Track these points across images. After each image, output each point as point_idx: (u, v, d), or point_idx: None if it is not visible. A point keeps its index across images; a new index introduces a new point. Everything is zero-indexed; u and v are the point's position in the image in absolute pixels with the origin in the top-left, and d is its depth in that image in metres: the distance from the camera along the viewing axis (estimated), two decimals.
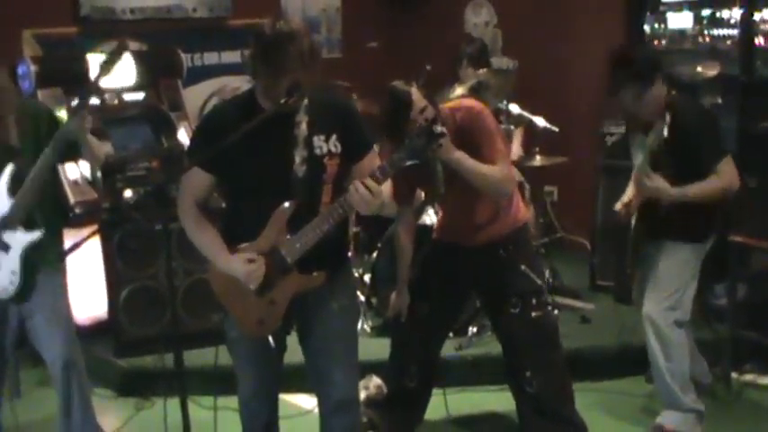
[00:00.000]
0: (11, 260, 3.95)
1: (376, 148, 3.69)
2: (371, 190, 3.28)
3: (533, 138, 6.19)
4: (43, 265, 4.03)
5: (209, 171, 3.48)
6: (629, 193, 4.64)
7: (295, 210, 3.42)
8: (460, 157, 4.01)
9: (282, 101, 3.31)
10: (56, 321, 4.09)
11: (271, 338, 3.54)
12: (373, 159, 3.55)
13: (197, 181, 3.49)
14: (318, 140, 3.46)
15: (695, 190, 4.28)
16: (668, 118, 4.13)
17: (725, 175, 4.29)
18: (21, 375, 5.18)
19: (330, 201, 3.47)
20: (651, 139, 4.20)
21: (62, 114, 5.68)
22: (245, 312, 3.54)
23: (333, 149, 3.47)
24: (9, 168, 3.94)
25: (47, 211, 4.08)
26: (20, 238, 3.95)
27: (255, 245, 3.46)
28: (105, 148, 4.04)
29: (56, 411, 4.19)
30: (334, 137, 3.47)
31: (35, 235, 3.96)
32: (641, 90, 4.31)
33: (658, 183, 4.27)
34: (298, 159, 3.43)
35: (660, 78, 4.35)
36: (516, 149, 6.16)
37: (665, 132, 4.13)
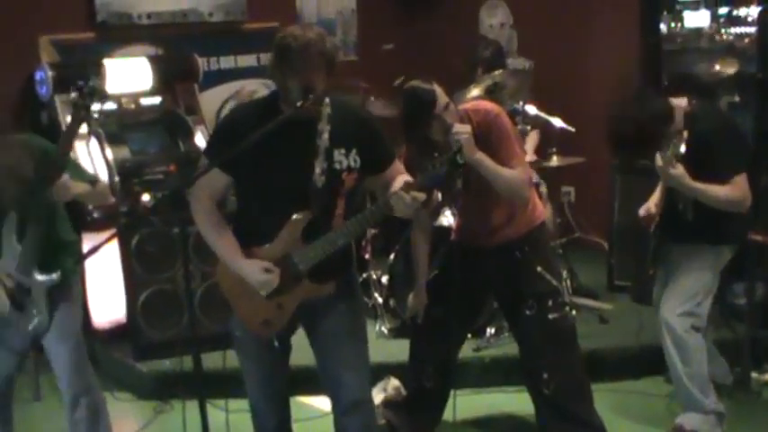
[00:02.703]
0: (35, 303, 3.93)
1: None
2: (416, 197, 3.32)
3: (550, 138, 6.17)
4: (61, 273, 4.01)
5: (225, 171, 3.49)
6: (654, 199, 4.62)
7: (309, 219, 3.44)
8: (482, 157, 4.01)
9: (299, 104, 3.32)
10: (66, 337, 4.06)
11: (275, 340, 3.57)
12: (396, 169, 3.59)
13: (213, 181, 3.50)
14: (339, 154, 3.47)
15: (713, 190, 4.25)
16: (686, 134, 4.14)
17: (739, 189, 4.27)
18: (41, 379, 5.20)
19: (343, 213, 3.49)
20: (669, 153, 4.18)
21: None
22: (252, 312, 3.56)
23: (352, 164, 3.49)
24: (12, 215, 3.90)
25: (60, 220, 4.09)
26: (38, 282, 3.93)
27: (269, 249, 3.47)
28: (81, 188, 4.07)
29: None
30: (354, 151, 3.49)
31: (53, 277, 3.94)
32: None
33: (681, 171, 4.23)
34: (318, 170, 3.44)
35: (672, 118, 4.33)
36: (529, 153, 6.14)
37: (683, 149, 4.13)
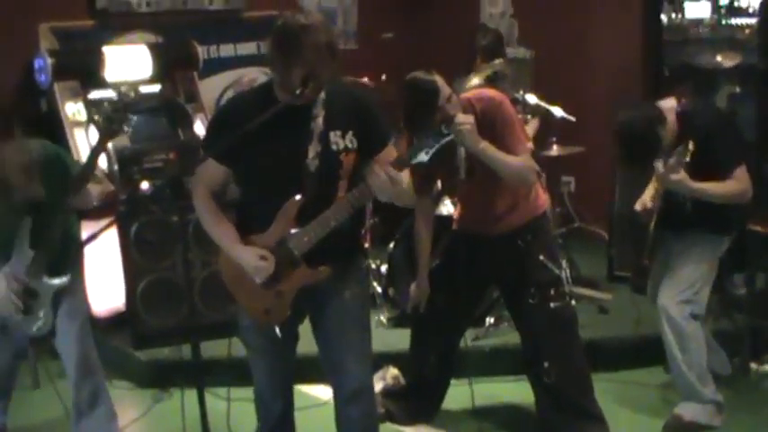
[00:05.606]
0: (41, 305, 3.97)
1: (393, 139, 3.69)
2: (391, 176, 3.29)
3: (550, 128, 6.16)
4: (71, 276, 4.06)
5: (222, 163, 3.48)
6: (650, 192, 4.60)
7: (307, 204, 3.42)
8: (486, 146, 4.00)
9: (297, 92, 3.31)
10: (73, 318, 4.10)
11: (277, 329, 3.55)
12: (390, 153, 3.55)
13: (211, 172, 3.50)
14: (335, 136, 3.46)
15: (715, 188, 4.25)
16: (691, 146, 4.11)
17: (741, 182, 4.27)
18: (39, 367, 5.20)
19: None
20: (673, 162, 4.17)
21: (79, 106, 5.73)
22: (253, 301, 3.55)
23: (349, 145, 3.47)
24: (27, 221, 3.93)
25: (71, 218, 4.11)
26: (46, 286, 3.96)
27: (264, 237, 3.46)
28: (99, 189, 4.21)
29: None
30: (350, 132, 3.47)
31: (63, 280, 3.99)
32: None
33: (683, 175, 4.22)
34: (311, 154, 3.43)
35: (664, 120, 4.32)
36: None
37: (688, 158, 4.13)
